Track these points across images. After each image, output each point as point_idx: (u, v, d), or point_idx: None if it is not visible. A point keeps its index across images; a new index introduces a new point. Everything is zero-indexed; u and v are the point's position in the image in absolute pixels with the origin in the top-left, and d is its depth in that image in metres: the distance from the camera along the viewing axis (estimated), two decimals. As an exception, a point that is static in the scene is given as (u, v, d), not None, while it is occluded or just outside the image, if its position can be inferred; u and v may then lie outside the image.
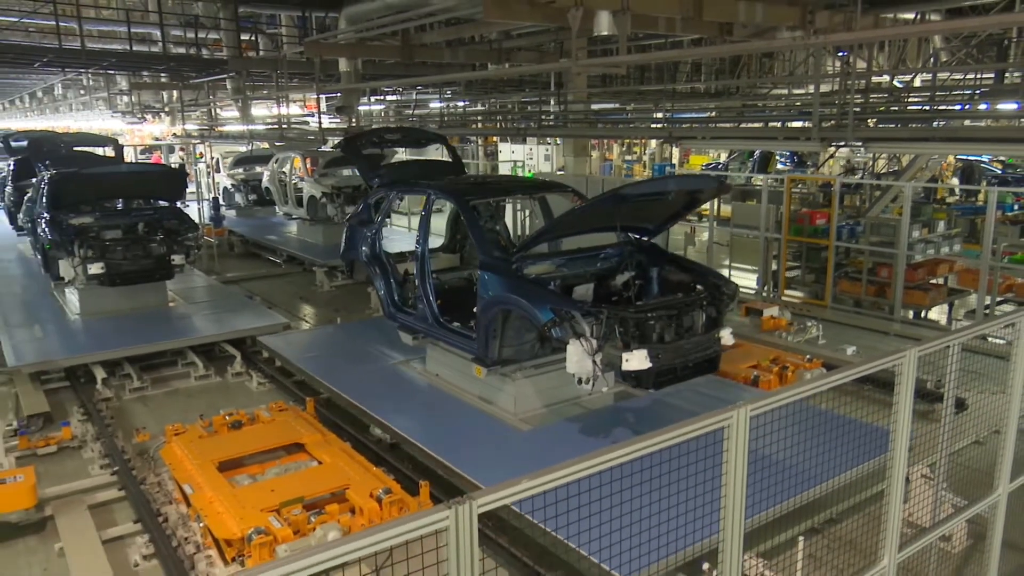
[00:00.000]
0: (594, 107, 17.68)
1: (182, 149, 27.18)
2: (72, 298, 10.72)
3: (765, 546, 5.00)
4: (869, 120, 11.16)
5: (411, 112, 23.05)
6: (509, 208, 8.60)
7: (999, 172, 18.77)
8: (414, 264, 7.78)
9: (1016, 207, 16.91)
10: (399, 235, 15.95)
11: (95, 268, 9.90)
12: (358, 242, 8.62)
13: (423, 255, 7.52)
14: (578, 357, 5.67)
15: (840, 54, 14.84)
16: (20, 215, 14.70)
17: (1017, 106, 11.40)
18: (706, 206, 13.56)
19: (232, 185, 20.66)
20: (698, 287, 6.50)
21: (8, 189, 16.95)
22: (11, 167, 16.99)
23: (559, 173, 19.36)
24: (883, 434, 3.79)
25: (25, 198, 13.97)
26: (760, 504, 3.85)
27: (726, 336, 6.35)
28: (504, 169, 23.44)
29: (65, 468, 6.85)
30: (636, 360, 5.57)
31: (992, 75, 14.11)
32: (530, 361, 6.76)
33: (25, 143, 16.37)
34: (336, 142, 16.00)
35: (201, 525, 5.40)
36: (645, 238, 7.28)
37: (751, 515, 3.42)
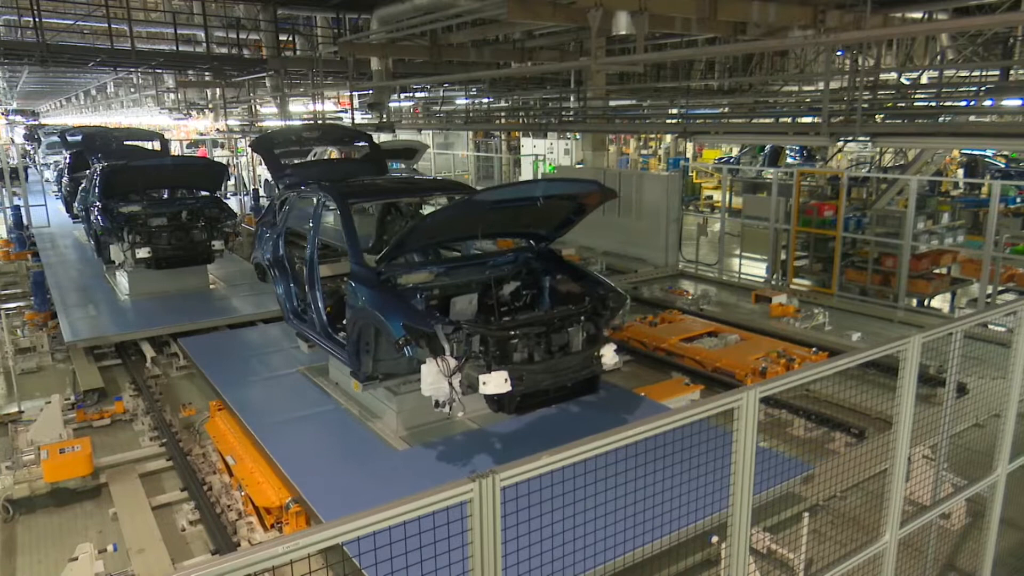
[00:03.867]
0: (612, 103, 17.53)
1: (223, 146, 27.36)
2: (122, 280, 10.92)
3: (772, 521, 5.01)
4: (877, 116, 10.98)
5: (438, 108, 23.02)
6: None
7: (1002, 166, 18.37)
8: (327, 268, 6.89)
9: (1018, 200, 16.59)
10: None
11: (142, 252, 10.07)
12: (262, 244, 7.90)
13: (311, 259, 6.61)
14: (432, 378, 4.95)
15: (839, 53, 14.56)
16: (75, 204, 14.90)
17: (1021, 102, 11.14)
18: (718, 198, 13.30)
19: (272, 177, 20.75)
20: (587, 299, 5.67)
21: (64, 180, 17.20)
22: (67, 160, 17.24)
23: (578, 166, 19.28)
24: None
25: (80, 188, 14.17)
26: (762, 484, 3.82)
27: (608, 355, 5.47)
28: (526, 162, 23.39)
29: (118, 439, 6.98)
30: (494, 383, 4.85)
31: (997, 72, 13.79)
32: (416, 375, 5.64)
33: (80, 138, 16.58)
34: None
35: (242, 494, 5.49)
36: (542, 243, 6.43)
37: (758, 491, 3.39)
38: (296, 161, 9.37)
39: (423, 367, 5.00)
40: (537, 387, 5.09)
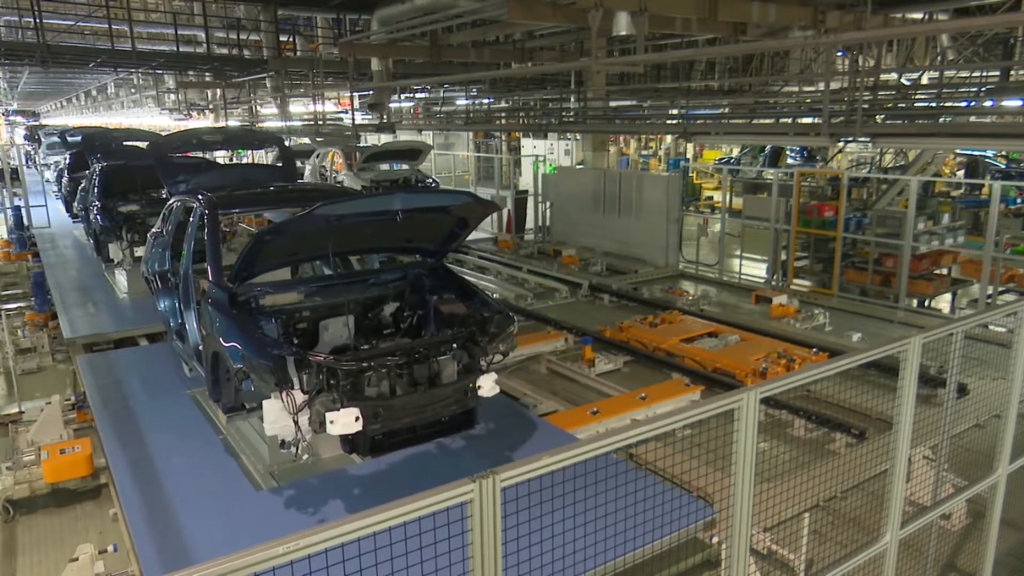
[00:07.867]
0: (612, 104, 17.54)
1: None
2: (121, 278, 10.91)
3: (771, 520, 5.00)
4: (877, 116, 10.98)
5: (439, 109, 23.02)
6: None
7: (1003, 167, 18.38)
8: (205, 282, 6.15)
9: (1019, 200, 16.60)
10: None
11: (140, 251, 10.08)
12: (150, 255, 7.42)
13: (186, 275, 5.98)
14: (275, 416, 4.46)
15: (840, 53, 14.58)
16: (75, 204, 14.92)
17: (1022, 103, 11.15)
18: (718, 199, 13.19)
19: (273, 178, 20.70)
20: (474, 322, 5.10)
21: (64, 180, 17.23)
22: (67, 160, 17.27)
23: (578, 167, 19.28)
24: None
25: (80, 188, 14.18)
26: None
27: (486, 386, 4.85)
28: (526, 162, 23.34)
29: (118, 440, 6.96)
30: (343, 422, 4.28)
31: (998, 73, 13.80)
32: None
33: (80, 138, 16.63)
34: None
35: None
36: (431, 259, 5.89)
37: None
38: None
39: (265, 403, 4.51)
40: (397, 425, 4.55)
